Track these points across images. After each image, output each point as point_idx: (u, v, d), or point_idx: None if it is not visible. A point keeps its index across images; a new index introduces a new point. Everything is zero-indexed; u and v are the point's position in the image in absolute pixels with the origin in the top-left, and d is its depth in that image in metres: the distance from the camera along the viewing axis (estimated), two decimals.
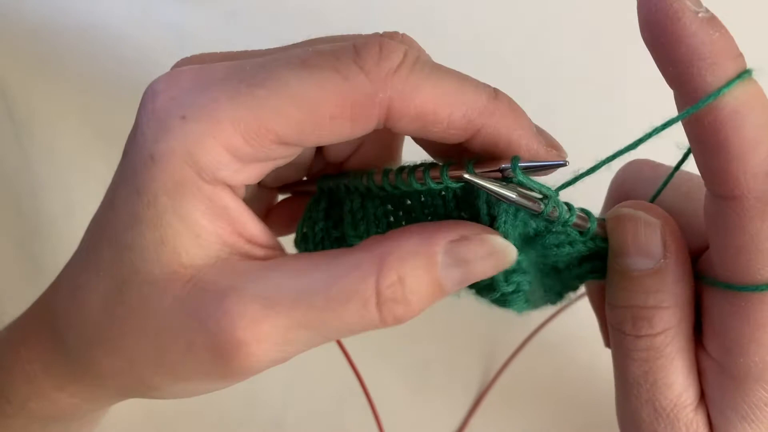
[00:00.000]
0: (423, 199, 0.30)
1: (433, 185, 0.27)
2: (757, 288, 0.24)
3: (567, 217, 0.27)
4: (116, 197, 0.27)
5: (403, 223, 0.31)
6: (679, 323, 0.27)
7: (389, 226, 0.32)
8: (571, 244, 0.28)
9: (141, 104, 0.26)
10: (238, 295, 0.25)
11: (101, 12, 0.64)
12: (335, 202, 0.33)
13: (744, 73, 0.23)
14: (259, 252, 0.27)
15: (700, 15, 0.22)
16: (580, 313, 0.50)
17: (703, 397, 0.27)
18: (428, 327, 0.55)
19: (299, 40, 0.31)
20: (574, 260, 0.30)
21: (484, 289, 0.29)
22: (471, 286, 0.30)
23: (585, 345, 0.53)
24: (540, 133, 0.28)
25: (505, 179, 0.26)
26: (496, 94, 0.27)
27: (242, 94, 0.24)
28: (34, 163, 0.57)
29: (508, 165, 0.26)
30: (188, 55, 0.30)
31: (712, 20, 0.22)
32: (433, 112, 0.25)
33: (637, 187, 0.31)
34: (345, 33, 0.30)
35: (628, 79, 0.64)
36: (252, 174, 0.26)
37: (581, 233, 0.28)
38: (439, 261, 0.25)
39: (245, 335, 0.24)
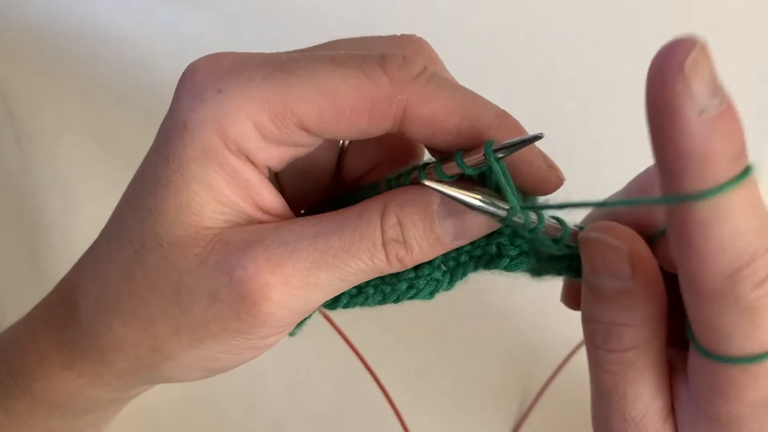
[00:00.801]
0: None
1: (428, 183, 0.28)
2: (718, 358, 0.24)
3: (533, 226, 0.28)
4: (146, 166, 0.29)
5: None
6: (649, 340, 0.27)
7: None
8: (543, 244, 0.29)
9: (181, 79, 0.28)
10: (261, 245, 0.27)
11: (102, 14, 0.64)
12: None
13: (731, 182, 0.20)
14: (275, 220, 0.29)
15: (704, 114, 0.20)
16: None
17: (672, 408, 0.28)
18: (460, 354, 0.55)
19: (299, 42, 0.32)
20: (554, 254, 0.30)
21: (495, 258, 0.31)
22: (484, 264, 0.31)
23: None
24: (540, 153, 0.29)
25: (487, 170, 0.27)
26: (503, 112, 0.28)
27: (275, 78, 0.27)
28: (34, 165, 0.57)
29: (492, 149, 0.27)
30: (189, 58, 0.31)
31: (719, 118, 0.20)
32: (444, 119, 0.27)
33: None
34: (345, 36, 0.32)
35: (627, 84, 0.64)
36: (273, 156, 0.28)
37: (555, 240, 0.28)
38: (434, 210, 0.28)
39: (270, 279, 0.27)
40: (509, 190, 0.27)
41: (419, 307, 0.56)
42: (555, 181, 0.29)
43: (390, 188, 0.30)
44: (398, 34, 0.31)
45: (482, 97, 0.29)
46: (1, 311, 0.51)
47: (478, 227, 0.29)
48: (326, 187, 0.35)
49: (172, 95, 0.28)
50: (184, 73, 0.28)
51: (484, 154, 0.27)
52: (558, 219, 0.29)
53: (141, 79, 0.61)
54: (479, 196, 0.27)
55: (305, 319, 0.33)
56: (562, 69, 0.66)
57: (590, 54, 0.66)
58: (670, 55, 0.20)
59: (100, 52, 0.62)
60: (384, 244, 0.28)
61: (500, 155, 0.27)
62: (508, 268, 0.31)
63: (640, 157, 0.31)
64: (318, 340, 0.51)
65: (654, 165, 0.24)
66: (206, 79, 0.27)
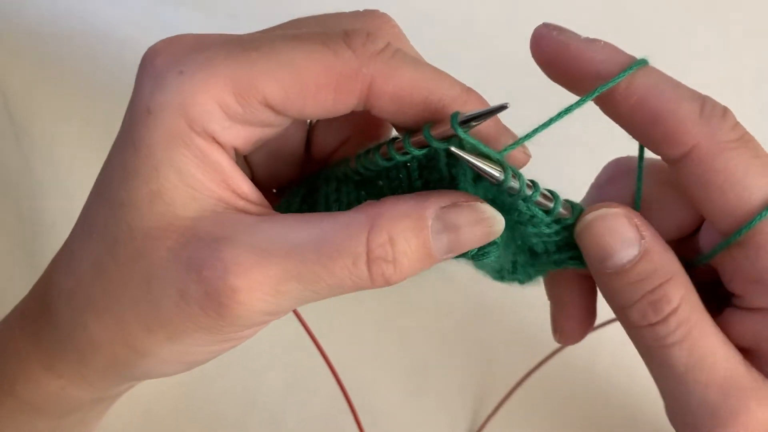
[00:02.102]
0: (391, 174, 0.30)
1: (398, 157, 0.28)
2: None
3: (529, 193, 0.28)
4: (113, 155, 0.28)
5: None
6: (686, 286, 0.28)
7: None
8: (533, 223, 0.29)
9: (141, 64, 0.28)
10: (233, 245, 0.26)
11: (102, 14, 0.64)
12: (314, 190, 0.33)
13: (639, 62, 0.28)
14: (252, 208, 0.28)
15: (582, 38, 0.29)
16: (591, 345, 0.51)
17: (746, 355, 0.29)
18: (434, 351, 0.55)
19: None
20: (552, 245, 0.30)
21: None
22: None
23: (594, 378, 0.53)
24: (506, 129, 0.29)
25: (455, 144, 0.27)
26: (469, 88, 0.28)
27: (237, 55, 0.26)
28: (34, 165, 0.57)
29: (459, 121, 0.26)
30: None
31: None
32: (410, 94, 0.27)
33: (623, 182, 0.33)
34: None
35: None
36: (240, 136, 0.27)
37: (546, 212, 0.29)
38: (429, 225, 0.27)
39: (238, 282, 0.26)
40: (492, 152, 0.27)
41: (412, 307, 0.56)
42: (522, 157, 0.29)
43: (360, 164, 0.29)
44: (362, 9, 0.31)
45: (447, 73, 0.28)
46: (1, 312, 0.52)
47: (471, 242, 0.28)
48: (297, 165, 0.34)
49: None
50: (143, 58, 0.28)
51: (451, 127, 0.26)
52: (550, 191, 0.29)
53: None
54: (496, 167, 0.26)
55: None
56: None
57: None
58: None
59: (101, 52, 0.62)
60: (369, 263, 0.26)
61: (468, 127, 0.26)
62: (476, 258, 0.30)
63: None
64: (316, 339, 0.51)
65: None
66: (167, 61, 0.27)
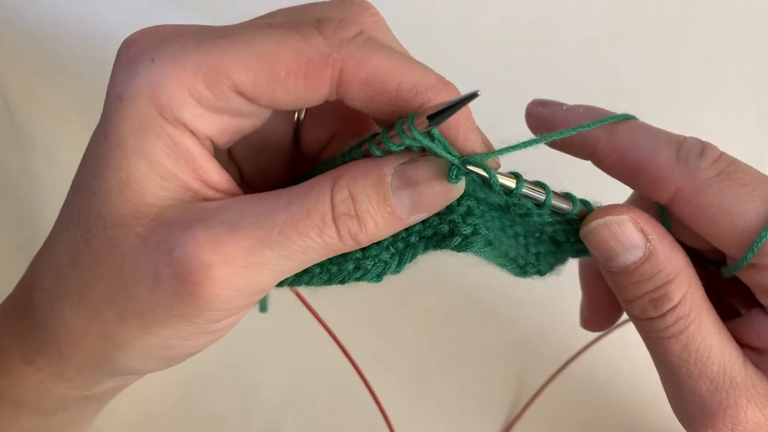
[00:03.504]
0: None
1: (378, 153, 0.28)
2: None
3: (512, 186, 0.28)
4: (89, 146, 0.28)
5: None
6: (690, 284, 0.29)
7: None
8: (528, 215, 0.30)
9: (117, 53, 0.28)
10: (202, 224, 0.26)
11: (102, 16, 0.64)
12: None
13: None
14: (222, 197, 0.28)
15: (564, 107, 0.32)
16: (613, 345, 0.51)
17: (747, 351, 0.30)
18: (456, 354, 0.55)
19: None
20: (573, 234, 0.31)
21: (447, 237, 0.30)
22: (435, 244, 0.30)
23: (619, 378, 0.53)
24: (478, 130, 0.29)
25: (430, 132, 0.27)
26: (447, 81, 0.28)
27: (207, 43, 0.26)
28: (34, 166, 0.57)
29: (437, 115, 0.26)
30: None
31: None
32: (381, 80, 0.27)
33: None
34: None
35: (630, 84, 0.64)
36: (213, 124, 0.27)
37: (538, 205, 0.29)
38: (388, 181, 0.27)
39: (210, 257, 0.25)
40: (444, 149, 0.27)
41: (414, 311, 0.56)
42: (490, 161, 0.29)
43: (345, 161, 0.29)
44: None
45: (422, 63, 0.28)
46: None
47: (434, 199, 0.28)
48: (286, 163, 0.34)
49: None
50: (120, 47, 0.28)
51: (408, 128, 0.26)
52: (540, 183, 0.30)
53: None
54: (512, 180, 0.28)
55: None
56: (564, 70, 0.66)
57: (593, 56, 0.67)
58: None
59: (101, 54, 0.62)
60: (334, 219, 0.26)
61: (434, 122, 0.26)
62: (459, 248, 0.30)
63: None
64: (314, 346, 0.51)
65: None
66: (140, 50, 0.27)
